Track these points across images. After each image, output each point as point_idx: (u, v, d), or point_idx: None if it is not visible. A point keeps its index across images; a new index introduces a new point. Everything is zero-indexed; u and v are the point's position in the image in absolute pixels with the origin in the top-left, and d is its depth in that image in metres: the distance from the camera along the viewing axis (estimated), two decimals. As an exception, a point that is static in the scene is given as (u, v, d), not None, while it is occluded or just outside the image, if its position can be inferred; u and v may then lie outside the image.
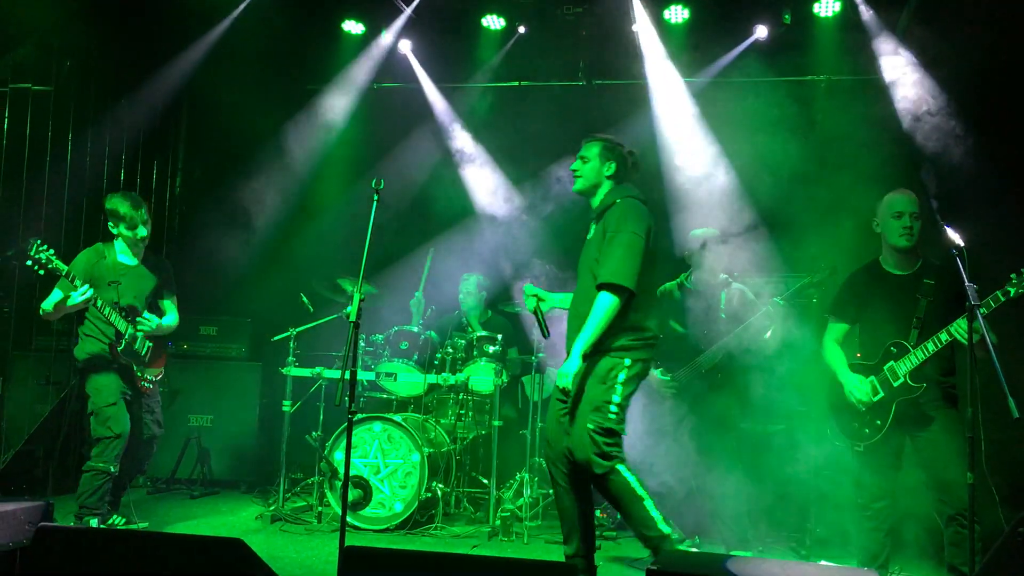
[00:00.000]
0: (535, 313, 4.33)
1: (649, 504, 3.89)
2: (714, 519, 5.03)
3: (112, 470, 4.79)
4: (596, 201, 4.20)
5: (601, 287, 3.90)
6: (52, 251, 4.59)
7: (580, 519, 4.08)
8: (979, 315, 3.55)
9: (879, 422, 4.21)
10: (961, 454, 3.76)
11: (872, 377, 4.25)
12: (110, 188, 6.82)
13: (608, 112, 7.00)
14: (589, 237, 4.23)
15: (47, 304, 4.77)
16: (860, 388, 4.24)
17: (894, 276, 4.31)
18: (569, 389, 3.89)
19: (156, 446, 5.25)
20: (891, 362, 4.18)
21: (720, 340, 4.97)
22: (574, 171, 4.21)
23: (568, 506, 4.09)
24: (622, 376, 3.96)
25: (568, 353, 4.03)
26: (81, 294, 4.63)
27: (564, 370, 3.88)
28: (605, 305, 3.88)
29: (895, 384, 4.16)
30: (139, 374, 5.00)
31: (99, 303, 4.74)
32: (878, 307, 4.31)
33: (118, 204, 5.00)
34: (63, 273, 4.64)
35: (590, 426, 3.88)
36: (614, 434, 3.92)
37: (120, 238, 5.04)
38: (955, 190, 5.82)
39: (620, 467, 3.90)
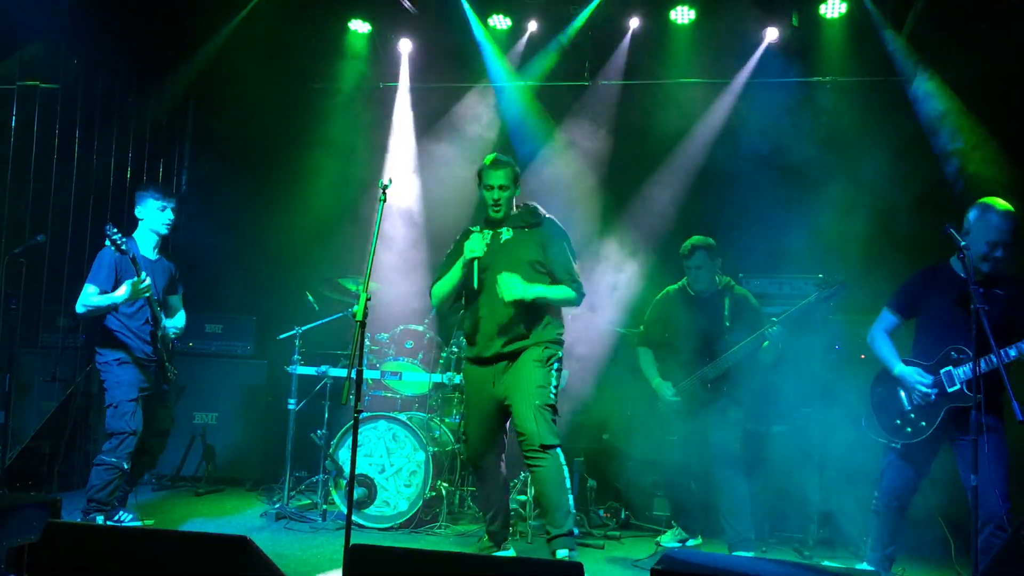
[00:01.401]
0: (473, 263, 4.36)
1: (572, 496, 4.26)
2: (718, 519, 5.03)
3: (125, 466, 4.81)
4: (506, 214, 4.49)
5: (574, 284, 4.40)
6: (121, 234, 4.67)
7: (503, 499, 4.71)
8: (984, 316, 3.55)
9: (924, 424, 4.11)
10: (999, 463, 3.79)
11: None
12: (116, 185, 6.87)
13: (614, 112, 6.99)
14: (505, 240, 4.47)
15: (96, 300, 4.73)
16: (924, 380, 4.10)
17: (964, 281, 4.17)
18: (526, 299, 4.24)
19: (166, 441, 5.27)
20: (949, 367, 4.07)
21: (724, 350, 4.94)
22: (496, 201, 4.42)
23: (492, 489, 4.64)
24: (556, 365, 4.42)
25: (491, 342, 4.39)
26: (141, 282, 4.66)
27: (513, 284, 4.22)
28: (571, 294, 4.39)
29: (950, 390, 4.04)
30: (167, 365, 5.06)
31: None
32: (942, 309, 4.15)
33: (152, 189, 5.11)
34: (131, 257, 4.71)
35: (537, 402, 4.25)
36: (555, 411, 4.33)
37: (143, 229, 5.06)
38: (966, 192, 5.83)
39: (560, 450, 4.25)
